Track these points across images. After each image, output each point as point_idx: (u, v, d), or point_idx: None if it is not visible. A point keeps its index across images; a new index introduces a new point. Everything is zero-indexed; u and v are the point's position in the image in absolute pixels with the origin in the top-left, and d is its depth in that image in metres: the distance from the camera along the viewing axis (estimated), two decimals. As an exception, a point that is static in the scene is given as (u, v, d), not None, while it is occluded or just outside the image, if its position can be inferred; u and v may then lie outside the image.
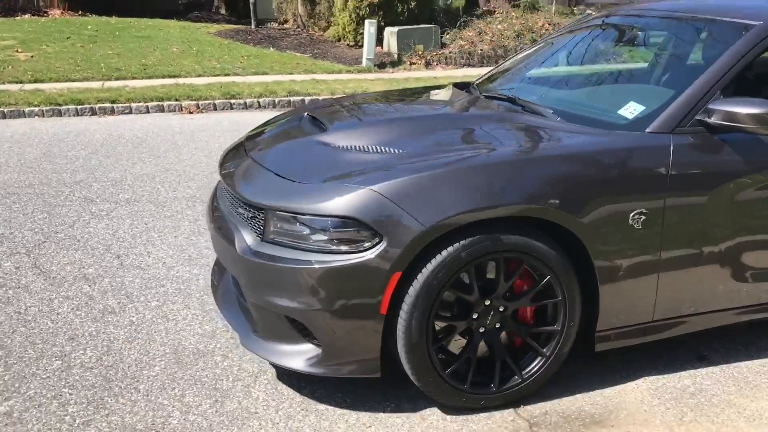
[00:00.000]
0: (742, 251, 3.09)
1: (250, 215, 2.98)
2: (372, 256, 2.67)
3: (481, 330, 2.88)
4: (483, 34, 12.89)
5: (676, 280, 3.03)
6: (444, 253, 2.70)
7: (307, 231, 2.78)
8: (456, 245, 2.70)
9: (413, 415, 2.93)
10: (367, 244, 2.68)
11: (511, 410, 2.96)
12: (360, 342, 2.79)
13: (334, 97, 5.11)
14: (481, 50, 12.54)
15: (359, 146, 3.07)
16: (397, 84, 10.83)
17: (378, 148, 3.03)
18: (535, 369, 2.97)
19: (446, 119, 3.50)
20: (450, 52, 12.50)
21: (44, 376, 3.14)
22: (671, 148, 2.93)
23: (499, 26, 13.07)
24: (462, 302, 2.84)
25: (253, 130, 3.80)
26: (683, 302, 3.10)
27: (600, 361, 3.26)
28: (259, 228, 2.93)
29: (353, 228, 2.70)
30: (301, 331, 2.87)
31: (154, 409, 2.93)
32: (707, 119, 2.97)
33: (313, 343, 2.86)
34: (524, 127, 3.16)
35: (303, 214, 2.77)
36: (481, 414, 2.93)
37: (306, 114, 3.65)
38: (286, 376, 3.16)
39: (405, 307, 2.73)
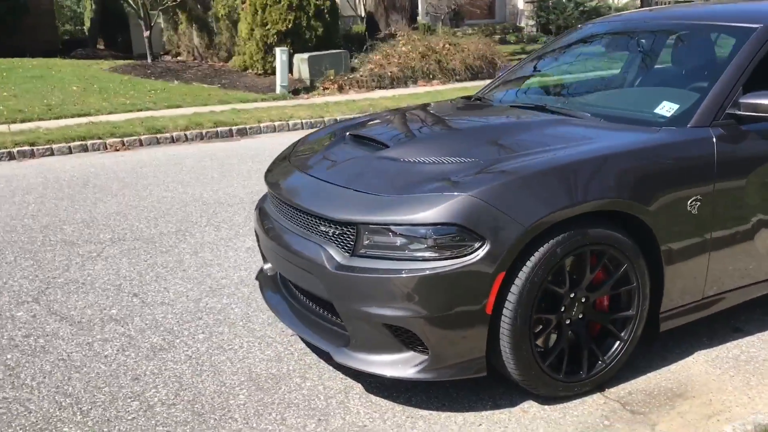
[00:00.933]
0: (773, 227, 3.45)
1: (337, 232, 3.02)
2: (477, 259, 2.79)
3: (568, 321, 3.06)
4: (390, 57, 13.23)
5: (721, 258, 3.33)
6: (541, 250, 2.86)
7: (403, 241, 2.86)
8: (552, 242, 2.87)
9: (514, 409, 3.06)
10: (471, 248, 2.80)
11: (599, 394, 3.15)
12: (467, 343, 2.89)
13: (359, 116, 5.21)
14: (391, 72, 12.88)
15: (430, 159, 3.18)
16: (319, 109, 10.90)
17: (450, 159, 3.15)
18: (616, 353, 3.17)
19: (500, 128, 3.66)
20: (361, 76, 12.74)
21: (129, 418, 3.02)
22: (714, 139, 3.24)
23: (403, 48, 13.46)
24: (554, 296, 3.00)
25: (294, 153, 3.80)
26: (725, 279, 3.41)
27: (650, 343, 3.50)
28: (347, 243, 2.98)
29: (456, 234, 2.81)
30: (404, 340, 2.94)
31: (261, 436, 2.90)
32: (737, 112, 3.30)
33: (416, 350, 2.94)
34: (580, 129, 3.39)
35: (400, 225, 2.86)
36: (575, 401, 3.10)
37: (347, 134, 3.72)
38: (376, 387, 3.21)
39: (509, 305, 2.86)
